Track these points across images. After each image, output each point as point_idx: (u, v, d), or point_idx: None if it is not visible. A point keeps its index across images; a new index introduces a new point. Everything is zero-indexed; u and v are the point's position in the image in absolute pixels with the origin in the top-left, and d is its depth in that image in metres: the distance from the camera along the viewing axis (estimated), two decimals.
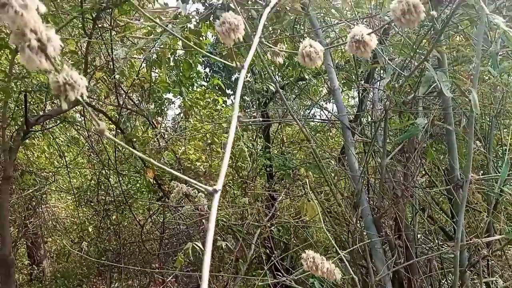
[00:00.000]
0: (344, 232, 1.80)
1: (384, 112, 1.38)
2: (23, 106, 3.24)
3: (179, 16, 1.74)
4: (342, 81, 2.31)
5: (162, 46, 2.76)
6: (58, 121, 3.49)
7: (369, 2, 1.62)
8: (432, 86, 1.50)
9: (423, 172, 1.89)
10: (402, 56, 1.50)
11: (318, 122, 3.02)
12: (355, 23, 1.69)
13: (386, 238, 1.56)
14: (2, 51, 2.88)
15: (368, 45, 0.67)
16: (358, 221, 1.62)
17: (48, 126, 3.53)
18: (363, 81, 1.95)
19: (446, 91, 1.35)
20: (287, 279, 2.11)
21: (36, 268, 4.96)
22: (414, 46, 1.48)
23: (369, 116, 2.24)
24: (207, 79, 4.45)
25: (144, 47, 2.76)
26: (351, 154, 1.68)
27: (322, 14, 1.74)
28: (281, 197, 3.96)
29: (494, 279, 1.63)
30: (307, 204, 3.23)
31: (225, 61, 0.68)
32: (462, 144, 1.72)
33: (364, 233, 1.60)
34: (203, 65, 4.26)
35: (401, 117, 1.78)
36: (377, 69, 1.98)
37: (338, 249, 1.06)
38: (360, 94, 2.05)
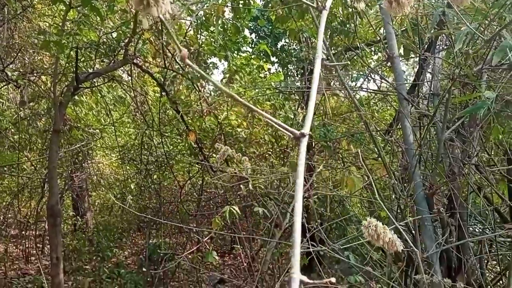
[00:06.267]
0: (393, 206, 1.75)
1: (450, 81, 1.29)
2: (73, 63, 3.32)
3: None
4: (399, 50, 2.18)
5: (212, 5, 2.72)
6: (106, 80, 3.57)
7: None
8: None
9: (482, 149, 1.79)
10: (474, 22, 1.39)
11: (370, 92, 2.91)
12: None
13: (438, 216, 1.50)
14: (56, 7, 2.93)
15: None
16: (408, 196, 1.56)
17: (96, 84, 3.61)
18: (423, 50, 1.84)
19: None
20: (322, 249, 2.10)
21: (80, 219, 5.24)
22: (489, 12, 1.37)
23: (424, 88, 2.13)
24: (253, 45, 4.38)
25: (192, 8, 2.73)
26: (406, 126, 1.61)
27: None
28: (319, 168, 3.91)
29: None
30: (348, 178, 3.19)
31: (305, 1, 0.64)
32: None
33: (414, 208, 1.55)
34: (250, 31, 4.19)
35: (463, 90, 1.68)
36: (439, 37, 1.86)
37: (395, 220, 1.03)
38: (420, 64, 1.95)
